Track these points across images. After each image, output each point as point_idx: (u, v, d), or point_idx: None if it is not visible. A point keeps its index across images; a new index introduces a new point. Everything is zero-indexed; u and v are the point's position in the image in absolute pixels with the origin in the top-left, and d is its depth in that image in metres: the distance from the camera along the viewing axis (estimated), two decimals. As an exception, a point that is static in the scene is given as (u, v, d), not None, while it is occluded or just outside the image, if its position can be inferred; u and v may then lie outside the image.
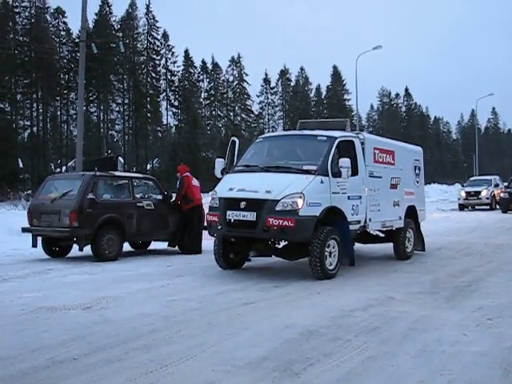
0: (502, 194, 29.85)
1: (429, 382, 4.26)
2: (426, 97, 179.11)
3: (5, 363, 4.70)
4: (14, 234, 15.06)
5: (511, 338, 5.42)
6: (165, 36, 76.18)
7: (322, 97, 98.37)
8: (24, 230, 12.28)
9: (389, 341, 5.37)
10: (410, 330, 5.79)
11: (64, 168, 59.23)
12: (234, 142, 10.68)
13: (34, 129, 63.84)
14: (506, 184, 31.29)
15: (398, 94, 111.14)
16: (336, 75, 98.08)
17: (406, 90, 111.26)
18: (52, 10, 66.07)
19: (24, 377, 4.38)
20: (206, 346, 5.18)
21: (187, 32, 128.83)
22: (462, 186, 38.01)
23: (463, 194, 32.73)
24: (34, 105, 64.25)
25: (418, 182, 12.43)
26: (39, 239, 12.11)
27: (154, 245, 14.01)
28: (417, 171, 12.43)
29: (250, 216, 8.70)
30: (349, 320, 6.19)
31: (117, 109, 72.64)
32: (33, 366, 4.61)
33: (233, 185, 9.21)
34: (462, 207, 32.56)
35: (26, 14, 62.61)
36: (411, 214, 11.84)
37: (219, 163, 10.36)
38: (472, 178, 38.18)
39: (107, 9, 70.42)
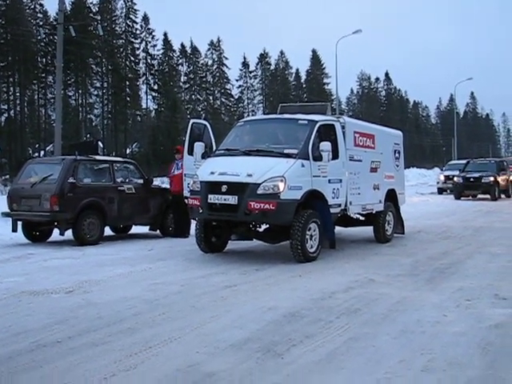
0: (455, 179, 27.87)
1: (409, 362, 4.34)
2: (405, 81, 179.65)
3: (-12, 347, 4.71)
4: (-7, 219, 14.92)
5: (490, 319, 5.52)
6: (145, 19, 75.52)
7: (302, 81, 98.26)
8: (4, 214, 12.21)
9: (370, 322, 5.45)
10: (391, 311, 5.87)
11: (42, 152, 58.64)
12: (193, 124, 11.31)
13: (12, 113, 63.10)
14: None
15: (377, 79, 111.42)
16: (315, 59, 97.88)
17: (387, 74, 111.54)
18: (28, -8, 65.11)
19: (8, 360, 4.39)
20: (189, 328, 5.22)
21: (165, 15, 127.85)
22: (441, 169, 38.26)
23: (442, 178, 32.90)
24: (11, 88, 63.42)
25: (397, 166, 12.53)
26: (19, 224, 12.04)
27: (135, 229, 13.99)
28: (396, 155, 12.53)
29: (232, 199, 8.73)
30: (330, 302, 6.26)
31: (95, 93, 71.86)
32: (17, 350, 4.62)
33: (214, 168, 9.22)
34: (440, 191, 32.77)
35: (2, -6, 61.61)
36: (391, 197, 11.95)
37: (199, 147, 10.40)
38: (451, 162, 38.41)
39: (84, -9, 69.55)
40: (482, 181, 26.69)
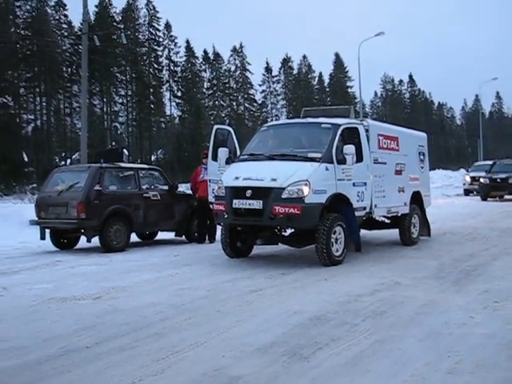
0: (481, 180, 27.52)
1: (436, 364, 4.32)
2: (430, 82, 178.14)
3: (19, 352, 4.79)
4: (21, 227, 15.13)
5: (517, 320, 5.47)
6: (167, 26, 76.15)
7: (325, 84, 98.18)
8: (32, 222, 12.37)
9: (396, 325, 5.43)
10: (417, 313, 5.85)
11: (68, 161, 59.34)
12: (216, 129, 11.39)
13: (38, 122, 63.94)
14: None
15: (401, 81, 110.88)
16: (338, 63, 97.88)
17: (410, 76, 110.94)
18: (53, 3, 66.03)
19: (37, 365, 4.47)
20: (215, 332, 5.25)
21: (187, 22, 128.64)
22: (467, 171, 37.86)
23: (468, 179, 32.55)
24: (38, 98, 64.28)
25: (422, 168, 12.45)
26: (47, 231, 12.20)
27: (161, 235, 14.09)
28: (421, 157, 12.45)
29: (257, 204, 8.75)
30: (356, 305, 6.25)
31: (120, 101, 72.64)
32: (46, 355, 4.70)
33: (238, 173, 9.26)
34: (467, 192, 32.42)
35: (27, 7, 62.58)
36: (416, 199, 11.87)
37: (223, 153, 10.48)
38: (477, 163, 38.03)
39: (107, 0, 70.31)
40: (509, 181, 26.29)
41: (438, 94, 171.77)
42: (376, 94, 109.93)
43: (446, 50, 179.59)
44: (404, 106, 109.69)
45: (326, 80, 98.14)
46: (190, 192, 13.92)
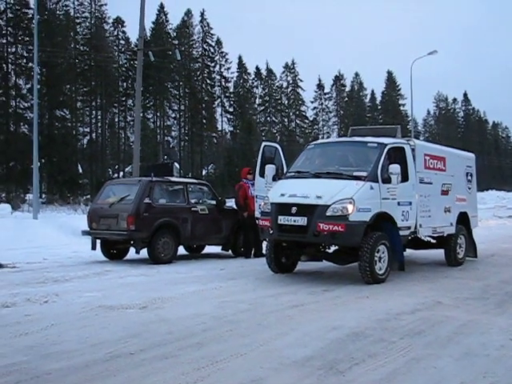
0: None
1: (470, 384, 4.37)
2: (484, 101, 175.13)
3: (68, 355, 5.03)
4: (74, 237, 15.62)
5: (558, 344, 5.44)
6: (218, 43, 77.09)
7: (377, 102, 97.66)
8: (84, 233, 12.76)
9: (433, 344, 5.47)
10: (456, 333, 5.87)
11: (121, 173, 60.56)
12: (264, 146, 11.77)
13: (93, 135, 65.53)
14: None
15: (455, 99, 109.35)
16: (390, 80, 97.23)
17: (465, 95, 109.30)
18: (111, 20, 67.89)
19: (85, 368, 4.69)
20: (255, 344, 5.38)
21: (241, 39, 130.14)
22: (521, 192, 37.19)
23: (521, 201, 32.00)
24: (93, 112, 65.98)
25: (470, 189, 12.37)
26: (98, 242, 12.56)
27: (208, 249, 14.32)
28: (469, 177, 12.37)
29: (301, 221, 8.88)
30: (395, 323, 6.31)
31: (173, 115, 73.87)
32: (93, 359, 4.92)
33: (284, 190, 9.41)
34: (519, 214, 31.82)
35: (87, 24, 64.57)
36: (463, 220, 11.79)
37: (270, 169, 10.66)
38: (531, 185, 37.31)
39: (164, 17, 71.86)
40: None
41: (493, 113, 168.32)
42: (429, 112, 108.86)
43: (502, 68, 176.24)
44: (457, 125, 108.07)
45: (379, 98, 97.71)
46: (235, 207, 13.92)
